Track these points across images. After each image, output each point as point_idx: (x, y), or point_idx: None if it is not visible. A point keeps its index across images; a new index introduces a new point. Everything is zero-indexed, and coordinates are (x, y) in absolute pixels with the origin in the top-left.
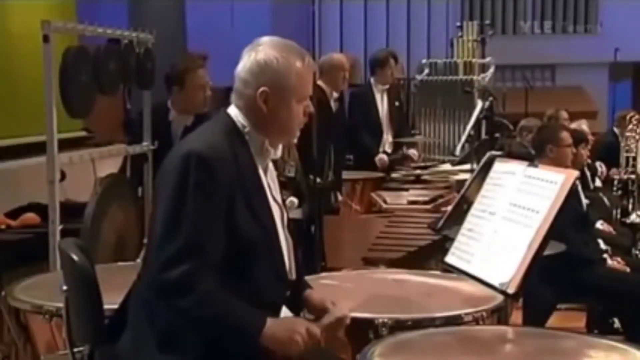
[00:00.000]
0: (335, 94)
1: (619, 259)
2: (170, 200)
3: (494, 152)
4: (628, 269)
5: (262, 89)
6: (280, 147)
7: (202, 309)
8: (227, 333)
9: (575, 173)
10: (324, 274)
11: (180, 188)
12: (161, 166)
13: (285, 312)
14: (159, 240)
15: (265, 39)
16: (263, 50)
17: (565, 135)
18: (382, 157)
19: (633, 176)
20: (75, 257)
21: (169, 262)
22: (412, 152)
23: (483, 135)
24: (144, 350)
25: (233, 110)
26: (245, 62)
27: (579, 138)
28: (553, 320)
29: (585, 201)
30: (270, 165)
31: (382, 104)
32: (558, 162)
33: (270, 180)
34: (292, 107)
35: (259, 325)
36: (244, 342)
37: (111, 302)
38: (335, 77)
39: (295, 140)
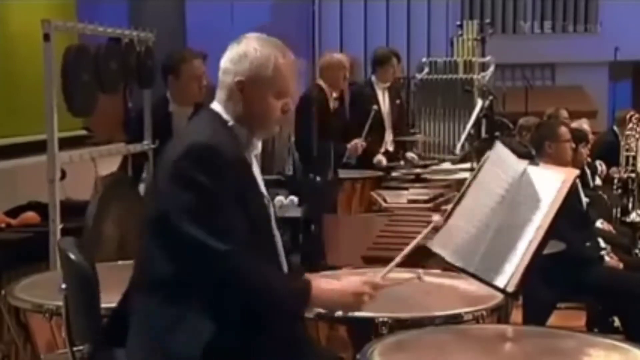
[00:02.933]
0: (335, 94)
1: (612, 254)
2: (193, 198)
3: None
4: (621, 265)
5: (238, 77)
6: (260, 142)
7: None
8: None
9: (576, 172)
10: (323, 273)
11: (195, 183)
12: (161, 161)
13: None
14: (201, 239)
15: (251, 34)
16: (245, 42)
17: (564, 131)
18: (379, 159)
19: (633, 175)
20: (72, 256)
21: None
22: (411, 155)
23: (483, 134)
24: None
25: (217, 106)
26: (228, 53)
27: (580, 137)
28: (553, 320)
29: (585, 200)
30: (254, 160)
31: (384, 102)
32: (557, 158)
33: (258, 175)
34: (269, 100)
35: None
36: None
37: (112, 301)
38: (334, 77)
39: (294, 138)
